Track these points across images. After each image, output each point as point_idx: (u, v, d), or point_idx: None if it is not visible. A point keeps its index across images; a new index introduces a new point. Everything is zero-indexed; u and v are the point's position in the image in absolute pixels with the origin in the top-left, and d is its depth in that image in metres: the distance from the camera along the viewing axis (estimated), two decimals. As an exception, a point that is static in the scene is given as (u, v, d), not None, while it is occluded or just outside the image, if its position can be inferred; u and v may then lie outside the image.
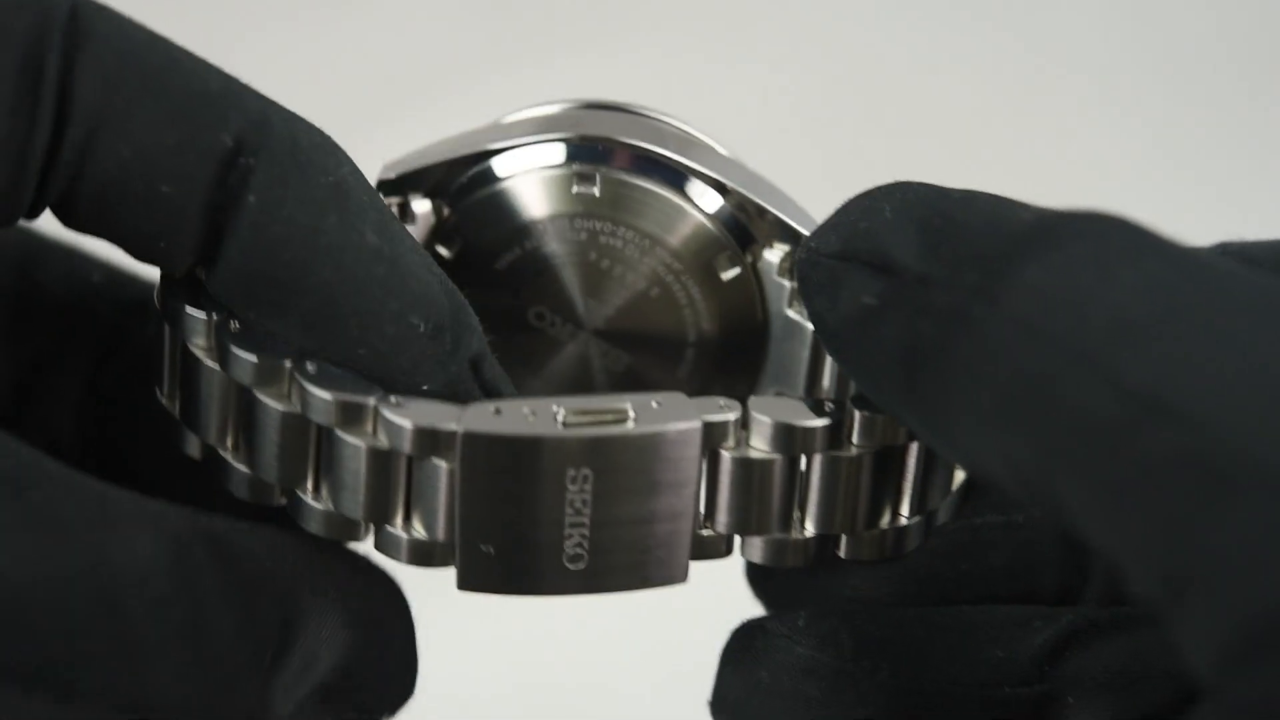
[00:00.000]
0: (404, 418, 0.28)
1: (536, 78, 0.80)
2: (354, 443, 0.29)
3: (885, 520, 0.31)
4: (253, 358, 0.29)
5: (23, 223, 0.30)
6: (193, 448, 0.31)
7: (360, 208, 0.29)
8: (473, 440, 0.28)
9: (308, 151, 0.29)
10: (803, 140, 0.76)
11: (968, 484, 0.32)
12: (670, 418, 0.29)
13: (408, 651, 0.31)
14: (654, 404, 0.29)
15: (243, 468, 0.30)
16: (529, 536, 0.29)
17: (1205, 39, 0.76)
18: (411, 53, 0.81)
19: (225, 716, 0.26)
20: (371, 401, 0.29)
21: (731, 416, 0.30)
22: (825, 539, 0.31)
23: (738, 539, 0.31)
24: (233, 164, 0.28)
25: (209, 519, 0.27)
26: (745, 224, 0.33)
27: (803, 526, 0.31)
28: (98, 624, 0.25)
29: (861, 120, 0.78)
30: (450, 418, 0.28)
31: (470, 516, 0.29)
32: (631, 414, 0.29)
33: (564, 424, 0.29)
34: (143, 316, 0.34)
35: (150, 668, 0.25)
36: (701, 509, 0.30)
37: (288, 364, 0.29)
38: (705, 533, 0.31)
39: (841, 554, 0.31)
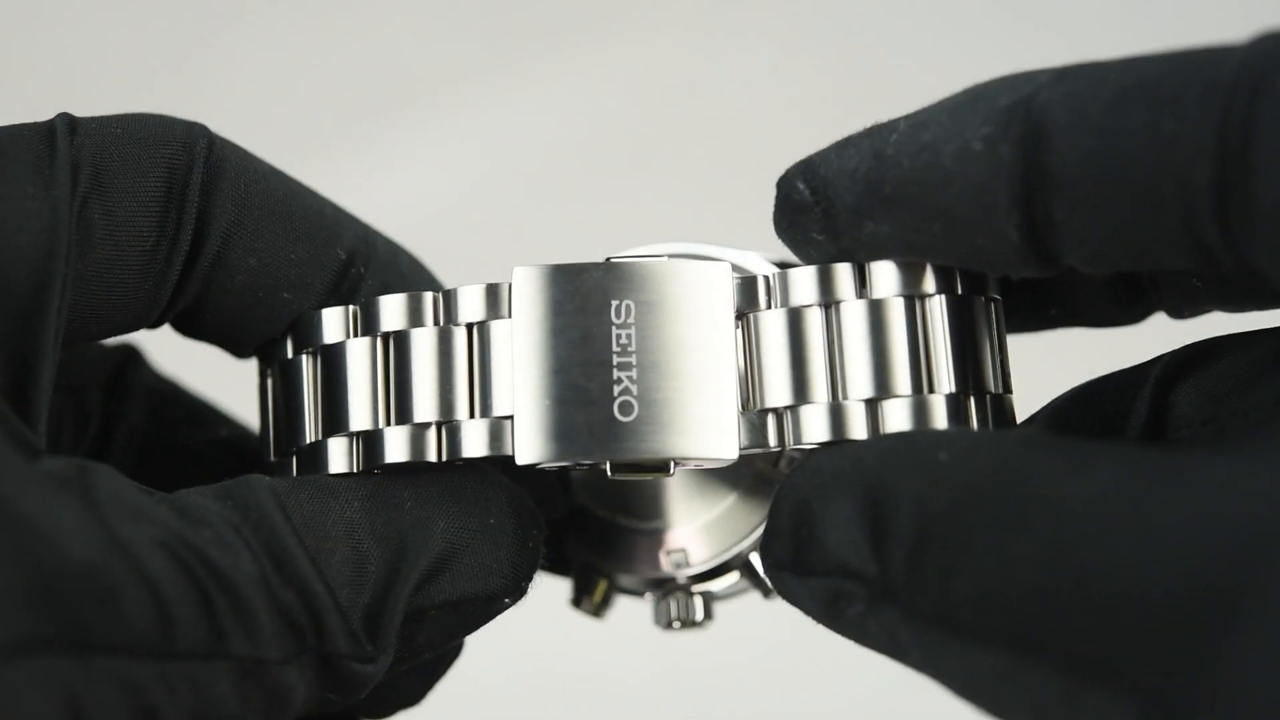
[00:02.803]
0: (465, 289, 0.32)
1: (535, 77, 0.80)
2: (422, 332, 0.32)
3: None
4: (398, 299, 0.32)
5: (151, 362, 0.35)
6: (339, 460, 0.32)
7: None
8: (525, 274, 0.31)
9: (407, 265, 0.34)
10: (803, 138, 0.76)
11: None
12: (701, 258, 0.32)
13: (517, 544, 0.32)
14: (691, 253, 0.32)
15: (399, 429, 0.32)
16: (582, 380, 0.31)
17: (1207, 38, 0.76)
18: (409, 52, 0.81)
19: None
20: (430, 295, 0.32)
21: (766, 271, 0.32)
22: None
23: (788, 432, 0.31)
24: (345, 274, 0.33)
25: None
26: None
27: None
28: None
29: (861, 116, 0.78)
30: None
31: (527, 360, 0.31)
32: (666, 255, 0.32)
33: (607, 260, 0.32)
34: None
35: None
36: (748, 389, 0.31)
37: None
38: (753, 411, 0.31)
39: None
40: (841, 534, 0.28)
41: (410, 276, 0.34)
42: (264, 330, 0.33)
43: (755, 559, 0.34)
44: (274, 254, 0.32)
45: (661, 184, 0.76)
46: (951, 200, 0.29)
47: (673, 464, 0.31)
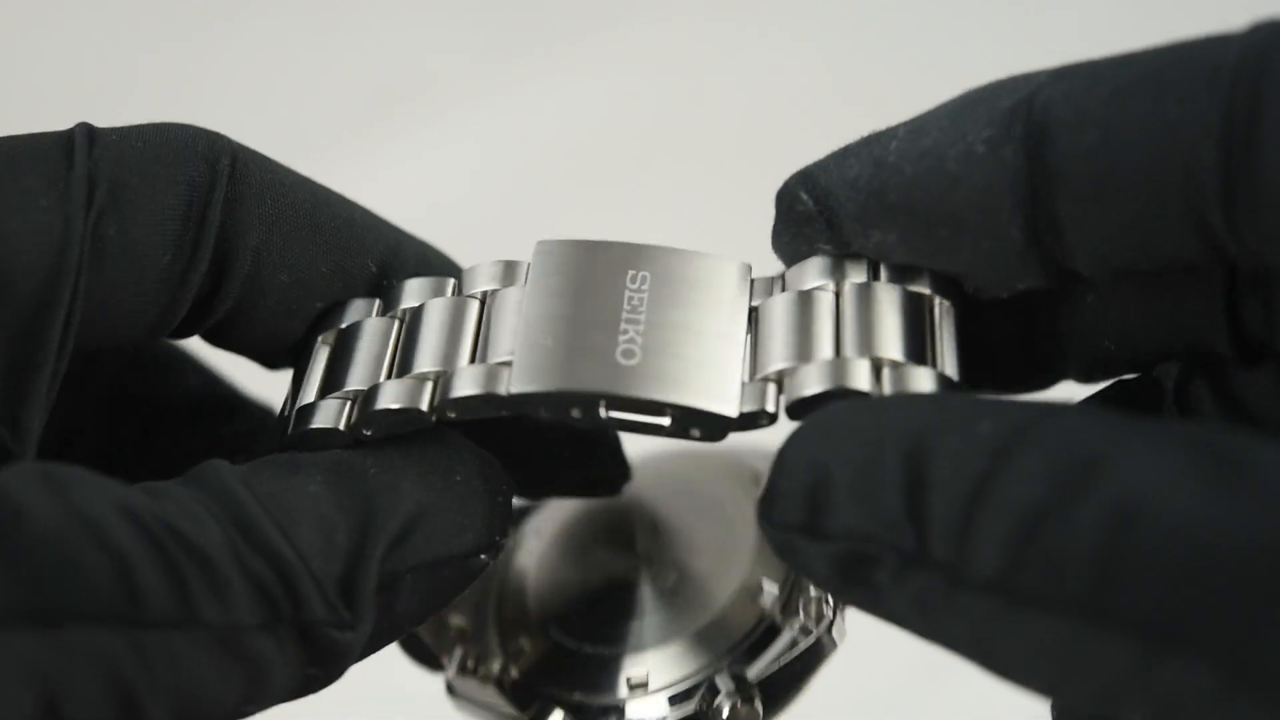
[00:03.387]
0: (482, 264, 0.32)
1: (537, 74, 0.79)
2: (436, 300, 0.32)
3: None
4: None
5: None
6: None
7: None
8: (545, 246, 0.32)
9: (437, 263, 0.34)
10: (805, 135, 0.76)
11: None
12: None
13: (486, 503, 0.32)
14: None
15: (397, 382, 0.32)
16: (587, 328, 0.31)
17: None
18: (410, 50, 0.81)
19: None
20: (451, 280, 0.33)
21: (772, 273, 0.32)
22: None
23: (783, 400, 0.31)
24: (378, 284, 0.33)
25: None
26: None
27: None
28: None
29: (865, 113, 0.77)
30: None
31: (534, 312, 0.31)
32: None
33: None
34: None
35: None
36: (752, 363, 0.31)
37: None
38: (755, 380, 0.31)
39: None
40: (869, 498, 0.27)
41: (441, 271, 0.34)
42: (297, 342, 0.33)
43: (721, 680, 0.34)
44: (305, 268, 0.32)
45: (666, 182, 0.76)
46: (957, 204, 0.29)
47: (669, 414, 0.30)
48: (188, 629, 0.27)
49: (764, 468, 0.31)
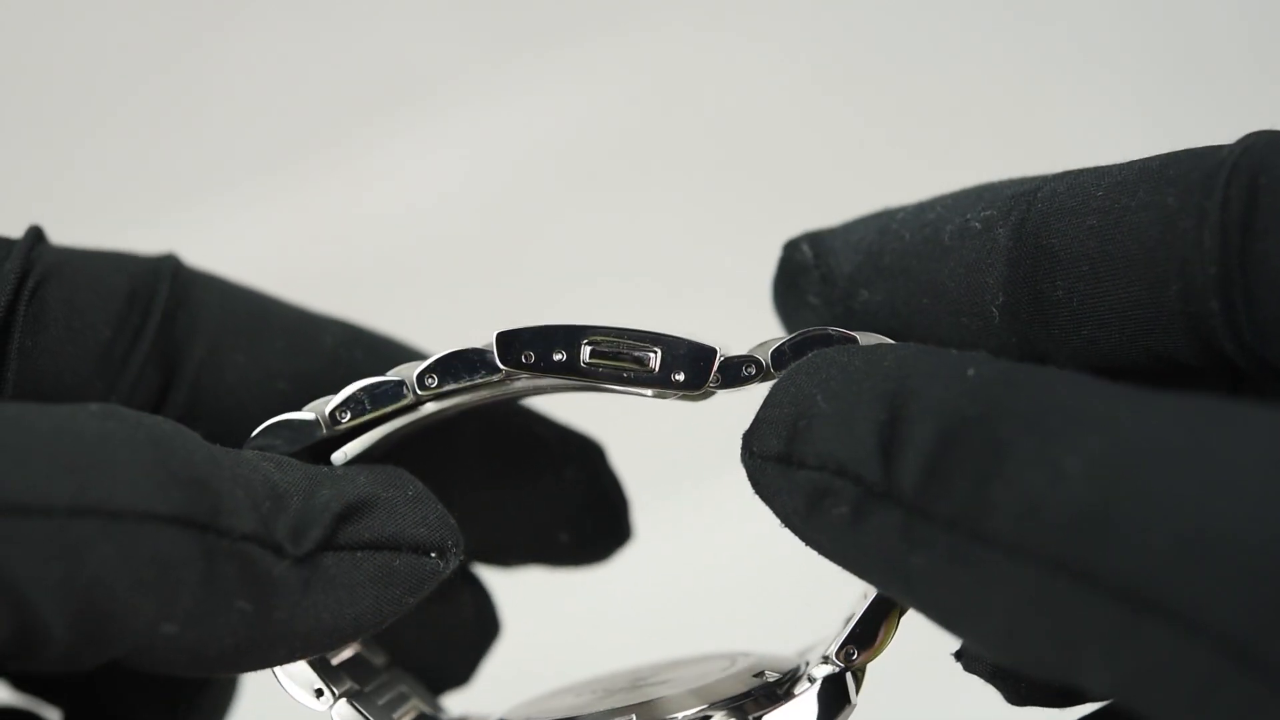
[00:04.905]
0: None
1: (533, 77, 0.80)
2: None
3: None
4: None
5: None
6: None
7: None
8: None
9: (393, 350, 0.34)
10: (808, 135, 0.76)
11: None
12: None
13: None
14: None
15: None
16: None
17: (1213, 37, 0.76)
18: (409, 52, 0.81)
19: None
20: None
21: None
22: None
23: None
24: (336, 359, 0.33)
25: None
26: None
27: None
28: None
29: (868, 112, 0.78)
30: None
31: None
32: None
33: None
34: None
35: None
36: None
37: None
38: None
39: None
40: (845, 429, 0.27)
41: (395, 360, 0.33)
42: (265, 415, 0.33)
43: None
44: (260, 347, 0.32)
45: (659, 186, 0.76)
46: (944, 275, 0.30)
47: (658, 348, 0.30)
48: (83, 514, 0.25)
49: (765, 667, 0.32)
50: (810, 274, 0.32)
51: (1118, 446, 0.24)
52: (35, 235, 0.31)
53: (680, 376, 0.30)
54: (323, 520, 0.28)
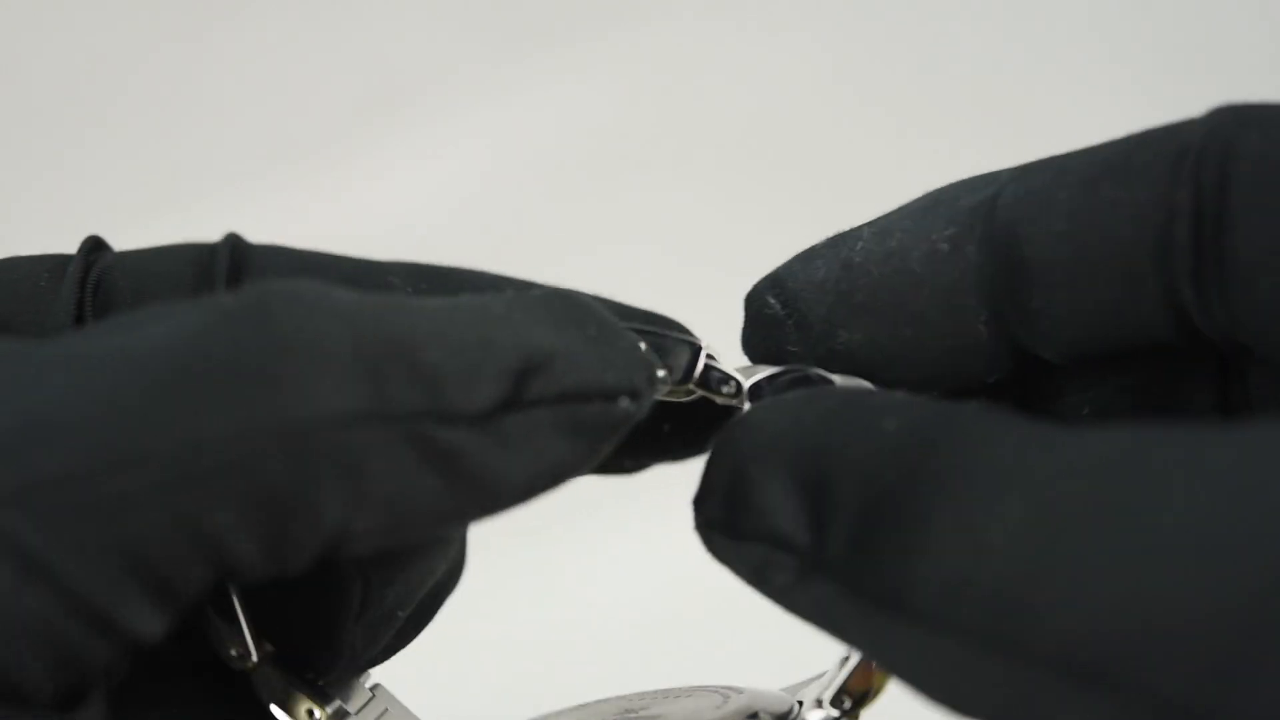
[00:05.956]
0: None
1: (538, 74, 0.79)
2: None
3: None
4: None
5: None
6: None
7: None
8: None
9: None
10: (810, 136, 0.76)
11: None
12: None
13: None
14: None
15: None
16: None
17: (1215, 38, 0.76)
18: (410, 50, 0.81)
19: None
20: None
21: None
22: None
23: None
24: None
25: None
26: None
27: None
28: None
29: (870, 112, 0.77)
30: None
31: None
32: None
33: None
34: None
35: None
36: None
37: None
38: None
39: None
40: (776, 500, 0.27)
41: (462, 287, 0.33)
42: None
43: None
44: None
45: (672, 183, 0.76)
46: (923, 304, 0.29)
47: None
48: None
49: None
50: (784, 326, 0.31)
51: (1041, 511, 0.23)
52: (93, 242, 0.31)
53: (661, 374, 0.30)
54: (500, 381, 0.26)
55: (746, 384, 0.30)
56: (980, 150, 0.36)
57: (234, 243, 0.31)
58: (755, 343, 0.32)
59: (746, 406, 0.31)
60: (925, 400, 0.27)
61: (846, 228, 0.31)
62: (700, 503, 0.29)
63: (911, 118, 0.74)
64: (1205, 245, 0.26)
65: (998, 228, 0.28)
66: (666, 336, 0.30)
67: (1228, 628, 0.21)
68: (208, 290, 0.30)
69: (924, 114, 0.74)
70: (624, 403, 0.28)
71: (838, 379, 0.30)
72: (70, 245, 0.35)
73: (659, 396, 0.30)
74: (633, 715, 0.33)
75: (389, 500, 0.25)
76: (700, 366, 0.30)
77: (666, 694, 0.33)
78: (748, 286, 0.32)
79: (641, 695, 0.33)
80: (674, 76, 0.79)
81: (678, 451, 0.34)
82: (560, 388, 0.27)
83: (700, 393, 0.31)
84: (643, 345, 0.29)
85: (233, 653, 0.29)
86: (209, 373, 0.24)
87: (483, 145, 0.78)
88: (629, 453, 0.33)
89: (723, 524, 0.28)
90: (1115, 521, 0.22)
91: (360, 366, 0.25)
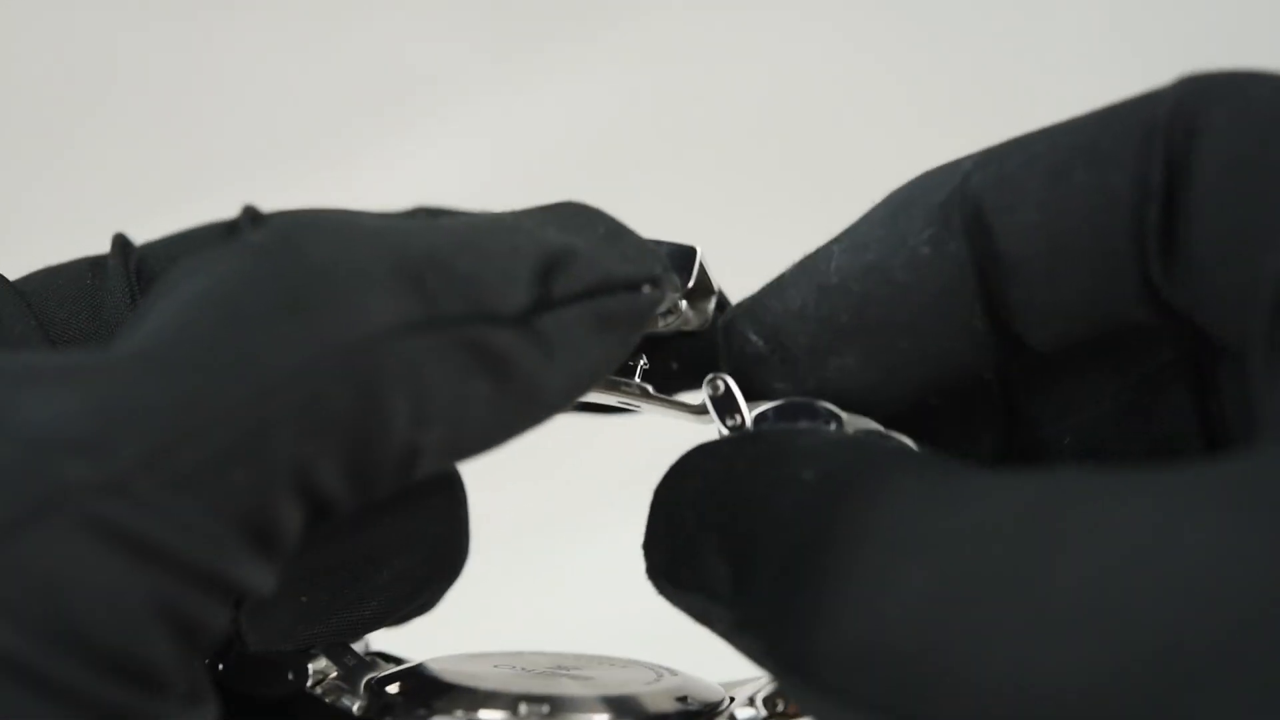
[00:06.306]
0: None
1: (541, 70, 0.79)
2: None
3: None
4: None
5: None
6: None
7: None
8: None
9: None
10: (810, 137, 0.75)
11: None
12: None
13: None
14: None
15: None
16: None
17: (1215, 39, 0.76)
18: (410, 49, 0.81)
19: None
20: None
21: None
22: None
23: None
24: None
25: None
26: None
27: None
28: None
29: (869, 111, 0.77)
30: None
31: None
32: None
33: None
34: None
35: None
36: None
37: None
38: None
39: None
40: (707, 558, 0.27)
41: None
42: None
43: None
44: None
45: (669, 182, 0.76)
46: (913, 313, 0.28)
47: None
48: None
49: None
50: (768, 362, 0.30)
51: (938, 581, 0.22)
52: (122, 238, 0.31)
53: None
54: (531, 282, 0.26)
55: (750, 416, 0.30)
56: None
57: (252, 214, 0.31)
58: (741, 383, 0.31)
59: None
60: (846, 441, 0.27)
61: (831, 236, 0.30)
62: (648, 549, 0.29)
63: (917, 115, 0.74)
64: (1171, 230, 0.26)
65: (969, 220, 0.28)
66: (663, 243, 0.30)
67: (1115, 705, 0.20)
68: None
69: (930, 112, 0.74)
70: (646, 290, 0.28)
71: (846, 418, 0.29)
72: (72, 245, 0.35)
73: (672, 301, 0.30)
74: (564, 671, 0.33)
75: (447, 410, 0.25)
76: (698, 266, 0.30)
77: (601, 660, 0.33)
78: (751, 286, 0.32)
79: (577, 656, 0.33)
80: (675, 75, 0.79)
81: (679, 388, 0.34)
82: (585, 283, 0.27)
83: (690, 312, 0.30)
84: (645, 243, 0.29)
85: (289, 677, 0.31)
86: (258, 313, 0.24)
87: (484, 143, 0.78)
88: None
89: (667, 574, 0.28)
90: (1010, 590, 0.22)
91: (404, 278, 0.24)
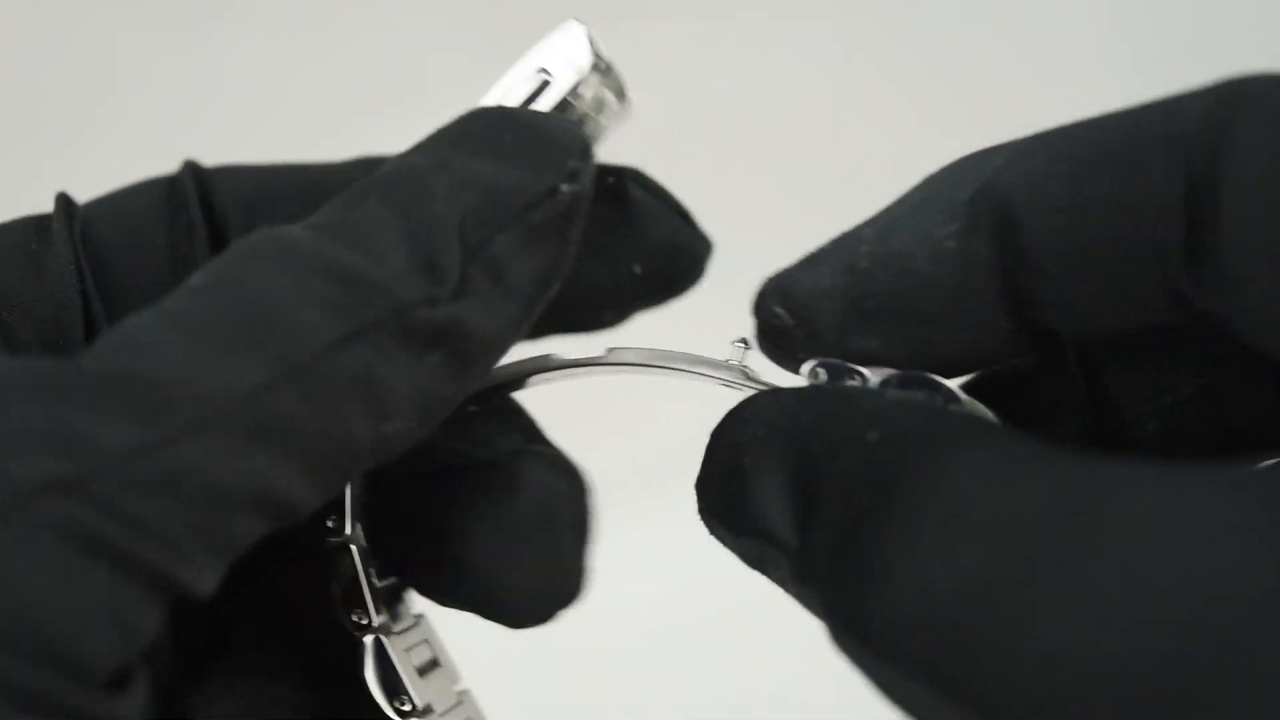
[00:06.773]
0: None
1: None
2: None
3: None
4: None
5: None
6: None
7: None
8: None
9: None
10: (808, 139, 0.75)
11: None
12: None
13: None
14: None
15: None
16: None
17: (1215, 39, 0.76)
18: (411, 48, 0.81)
19: None
20: None
21: None
22: None
23: None
24: None
25: None
26: None
27: None
28: None
29: (867, 111, 0.77)
30: None
31: None
32: None
33: None
34: None
35: None
36: None
37: None
38: None
39: None
40: (768, 501, 0.27)
41: None
42: None
43: None
44: (292, 205, 0.32)
45: (671, 181, 0.76)
46: (936, 306, 0.29)
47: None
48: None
49: None
50: (794, 335, 0.31)
51: (993, 560, 0.23)
52: (64, 198, 0.32)
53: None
54: (453, 249, 0.27)
55: (874, 380, 0.30)
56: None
57: (193, 169, 0.33)
58: (767, 351, 0.32)
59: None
60: (913, 405, 0.27)
61: (851, 225, 0.31)
62: (701, 488, 0.29)
63: (920, 114, 0.74)
64: (1198, 244, 0.26)
65: (998, 218, 0.28)
66: (553, 55, 0.31)
67: (1145, 694, 0.21)
68: (184, 218, 0.32)
69: (932, 111, 0.74)
70: (564, 189, 0.29)
71: (963, 395, 0.29)
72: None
73: (619, 108, 0.30)
74: None
75: (408, 396, 0.26)
76: (590, 41, 0.31)
77: None
78: (751, 286, 0.32)
79: None
80: (675, 75, 0.79)
81: (652, 295, 0.35)
82: (501, 217, 0.28)
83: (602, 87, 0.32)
84: (559, 118, 0.31)
85: (329, 524, 0.31)
86: (212, 333, 0.25)
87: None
88: (607, 303, 0.34)
89: (720, 516, 0.28)
90: (1058, 577, 0.22)
91: (331, 292, 0.26)
